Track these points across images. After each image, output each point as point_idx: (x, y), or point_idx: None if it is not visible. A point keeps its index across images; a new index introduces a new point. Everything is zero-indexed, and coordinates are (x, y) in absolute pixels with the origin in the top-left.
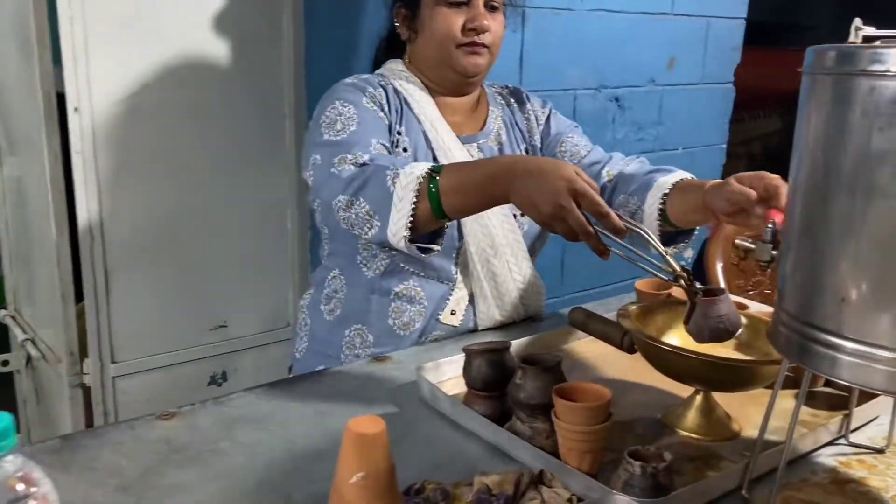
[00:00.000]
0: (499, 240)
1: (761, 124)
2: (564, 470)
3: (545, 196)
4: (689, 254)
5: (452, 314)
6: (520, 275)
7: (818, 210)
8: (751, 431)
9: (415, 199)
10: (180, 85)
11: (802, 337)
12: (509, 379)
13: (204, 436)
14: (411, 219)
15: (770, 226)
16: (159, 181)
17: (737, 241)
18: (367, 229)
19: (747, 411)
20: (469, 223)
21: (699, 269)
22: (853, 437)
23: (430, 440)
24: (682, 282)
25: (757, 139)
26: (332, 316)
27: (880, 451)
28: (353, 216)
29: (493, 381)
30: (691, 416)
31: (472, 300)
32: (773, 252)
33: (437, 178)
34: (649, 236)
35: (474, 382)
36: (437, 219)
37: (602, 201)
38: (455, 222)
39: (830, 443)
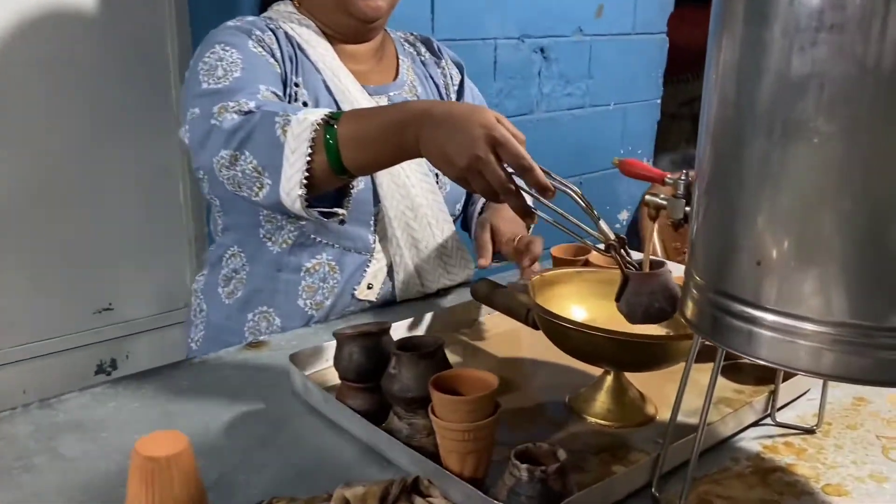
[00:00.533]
0: (419, 201)
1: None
2: (443, 475)
3: (459, 146)
4: (624, 215)
5: (369, 288)
6: (443, 241)
7: (730, 155)
8: (668, 413)
9: (310, 151)
10: (42, 35)
11: (715, 308)
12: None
13: (18, 448)
14: (307, 174)
15: (683, 177)
16: (25, 148)
17: (647, 198)
18: (256, 189)
19: (665, 391)
20: (386, 184)
21: (634, 231)
22: (781, 416)
23: (297, 442)
24: (615, 252)
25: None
26: (231, 299)
27: (810, 431)
28: (240, 174)
29: (367, 370)
30: (600, 400)
31: (391, 271)
32: (687, 209)
33: (336, 125)
34: (580, 198)
35: (346, 372)
36: (337, 175)
37: (525, 153)
38: (370, 185)
39: (756, 423)
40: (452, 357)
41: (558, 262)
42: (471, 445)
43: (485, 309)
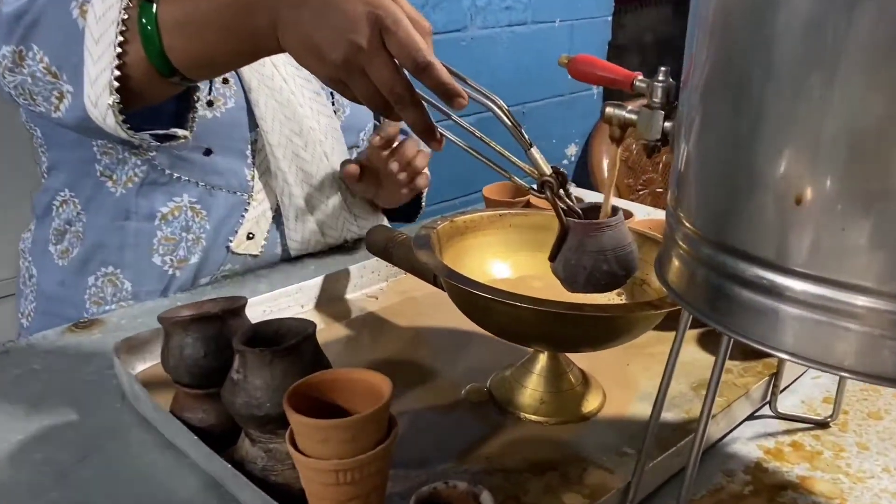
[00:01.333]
0: (309, 124)
1: (652, 14)
2: None
3: (332, 32)
4: (573, 150)
5: (249, 238)
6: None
7: (751, 29)
8: (625, 398)
9: (120, 40)
10: None
11: (715, 271)
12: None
13: None
14: (118, 74)
15: (661, 81)
16: None
17: (608, 111)
18: (55, 101)
19: (613, 367)
20: (263, 101)
21: (583, 166)
22: (781, 402)
23: (118, 469)
24: (549, 191)
25: (649, 29)
26: (65, 259)
27: (823, 424)
28: (29, 79)
29: (208, 369)
30: (531, 388)
31: (278, 217)
32: (668, 124)
33: (155, 4)
34: (506, 115)
35: (178, 374)
36: (162, 76)
37: (422, 43)
38: (243, 101)
39: (751, 415)
40: (338, 343)
41: (491, 206)
42: (351, 490)
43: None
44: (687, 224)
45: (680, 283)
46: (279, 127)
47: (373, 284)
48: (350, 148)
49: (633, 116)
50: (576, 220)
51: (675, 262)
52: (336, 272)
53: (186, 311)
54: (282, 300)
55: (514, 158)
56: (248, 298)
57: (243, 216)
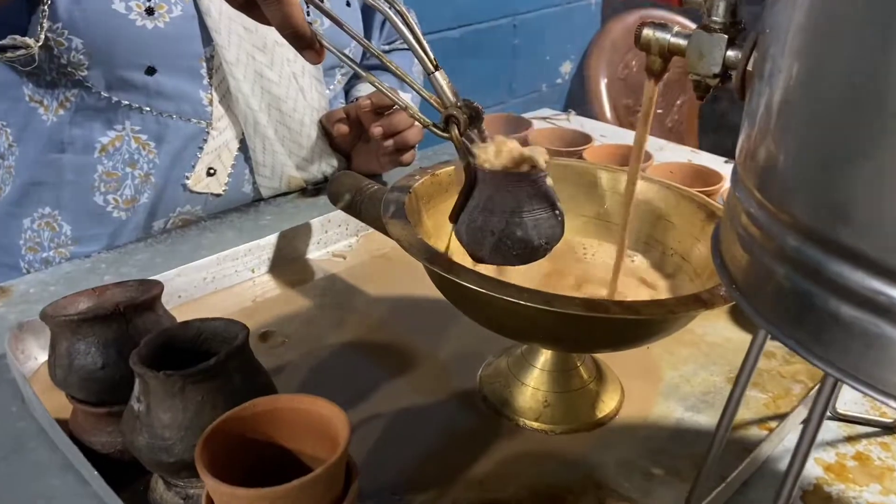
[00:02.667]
0: (275, 38)
1: None
2: None
3: None
4: (568, 67)
5: (210, 174)
6: (321, 105)
7: None
8: (646, 395)
9: None
10: None
11: (804, 274)
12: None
13: None
14: None
15: None
16: None
17: (646, 32)
18: None
19: (637, 354)
20: (216, 9)
21: (580, 86)
22: (839, 398)
23: (13, 495)
24: (455, 130)
25: None
26: None
27: (891, 428)
28: None
29: (111, 383)
30: (531, 386)
31: (245, 149)
32: (731, 53)
33: None
34: (405, 25)
35: (69, 387)
36: None
37: None
38: (192, 8)
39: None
40: (294, 320)
41: None
42: None
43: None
44: (767, 202)
45: (748, 282)
46: (237, 41)
47: (340, 241)
48: (329, 69)
49: (682, 42)
50: (486, 169)
51: (741, 252)
52: (294, 228)
53: (84, 300)
54: (227, 265)
55: (416, 85)
56: (162, 284)
57: (201, 148)
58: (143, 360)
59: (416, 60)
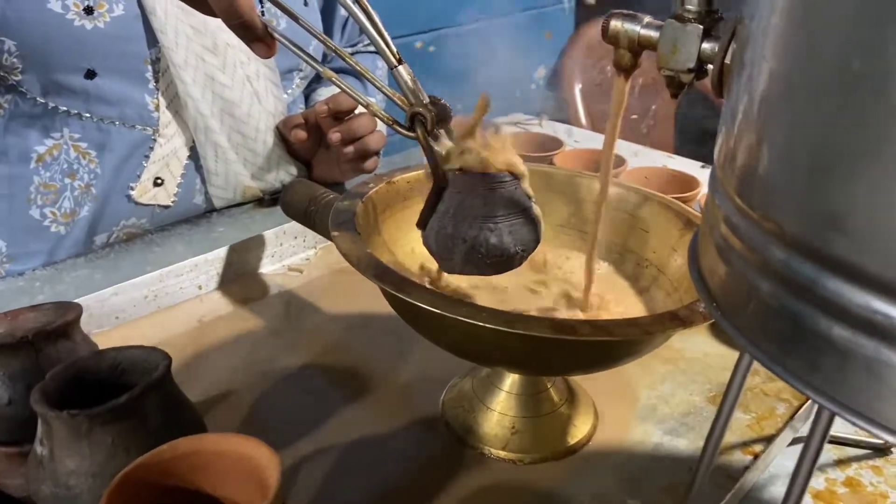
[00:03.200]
0: (226, 38)
1: None
2: None
3: None
4: (542, 72)
5: (157, 185)
6: (278, 100)
7: None
8: (621, 418)
9: None
10: None
11: (792, 291)
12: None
13: None
14: None
15: None
16: None
17: (613, 24)
18: None
19: (611, 372)
20: (162, 8)
21: (554, 91)
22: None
23: None
24: (421, 129)
25: None
26: None
27: (883, 450)
28: None
29: (21, 420)
30: (497, 411)
31: (195, 157)
32: (706, 45)
33: None
34: (367, 18)
35: None
36: None
37: None
38: (136, 7)
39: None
40: (246, 340)
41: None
42: None
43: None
44: (749, 209)
45: (730, 299)
46: (185, 42)
47: (296, 253)
48: (287, 72)
49: (653, 33)
50: (458, 171)
51: (721, 264)
52: (245, 241)
53: None
54: (170, 281)
55: (378, 82)
56: (80, 308)
57: (147, 156)
58: (49, 397)
59: (379, 62)
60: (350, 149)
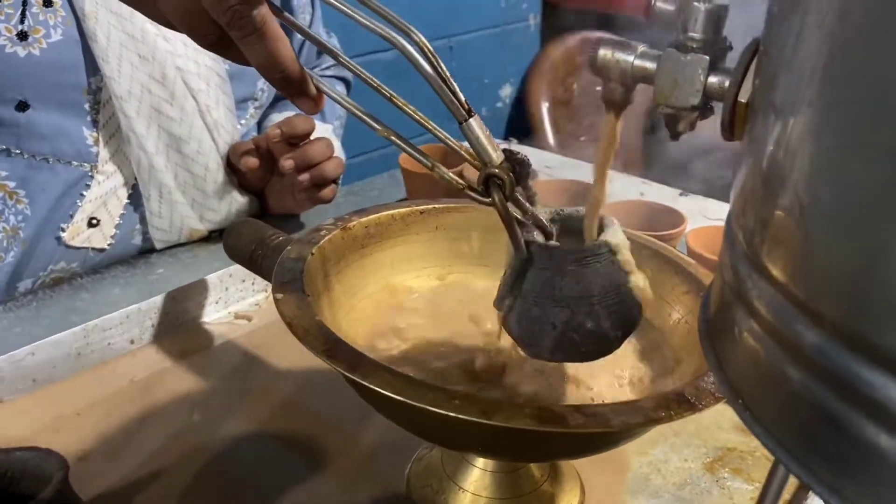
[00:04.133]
0: (178, 65)
1: None
2: None
3: None
4: (508, 91)
5: (93, 226)
6: (229, 135)
7: None
8: (611, 492)
9: None
10: None
11: (829, 385)
12: None
13: None
14: None
15: (705, 3)
16: None
17: (601, 53)
18: None
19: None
20: (104, 33)
21: (519, 110)
22: None
23: None
24: (498, 194)
25: None
26: None
27: None
28: None
29: None
30: (473, 490)
31: (136, 196)
32: (713, 79)
33: None
34: (428, 61)
35: None
36: None
37: None
38: (76, 31)
39: None
40: (182, 402)
41: (409, 181)
42: None
43: None
44: (778, 279)
45: (752, 385)
46: (130, 71)
47: (243, 299)
48: (241, 101)
49: (650, 64)
50: (543, 244)
51: (742, 342)
52: (184, 287)
53: None
54: (96, 336)
55: (441, 134)
56: None
57: (83, 195)
58: None
59: (338, 86)
60: (305, 176)
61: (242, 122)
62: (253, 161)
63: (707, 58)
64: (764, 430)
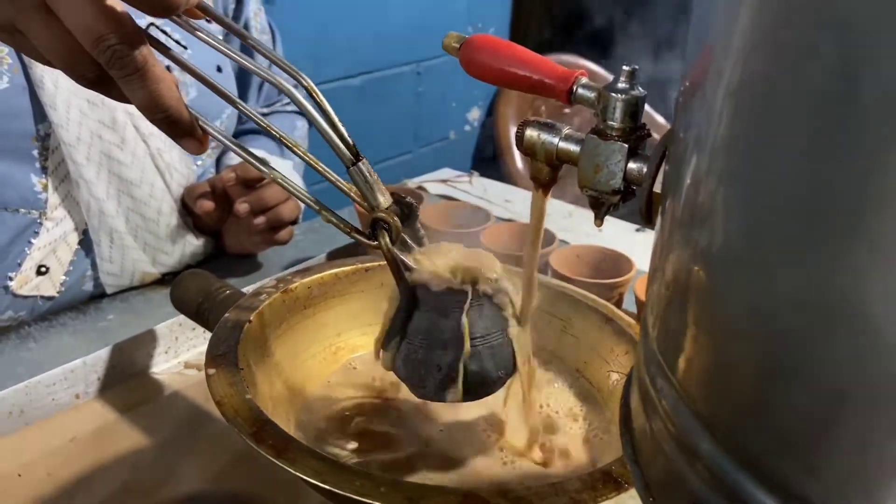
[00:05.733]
0: (132, 109)
1: None
2: None
3: None
4: (476, 114)
5: (41, 273)
6: (183, 177)
7: None
8: None
9: None
10: None
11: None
12: None
13: None
14: None
15: (622, 88)
16: None
17: (528, 134)
18: None
19: None
20: (52, 79)
21: (488, 133)
22: None
23: None
24: (385, 237)
25: None
26: None
27: None
28: None
29: None
30: None
31: (87, 242)
32: (633, 165)
33: None
34: (315, 105)
35: None
36: None
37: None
38: (23, 78)
39: None
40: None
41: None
42: None
43: None
44: (675, 382)
45: (661, 483)
46: (79, 117)
47: (195, 347)
48: None
49: (573, 147)
50: (428, 288)
51: (650, 435)
52: (132, 339)
53: None
54: (39, 391)
55: (332, 176)
56: None
57: (31, 242)
58: None
59: (298, 122)
60: (261, 220)
61: (199, 162)
62: (208, 204)
63: (626, 145)
64: None
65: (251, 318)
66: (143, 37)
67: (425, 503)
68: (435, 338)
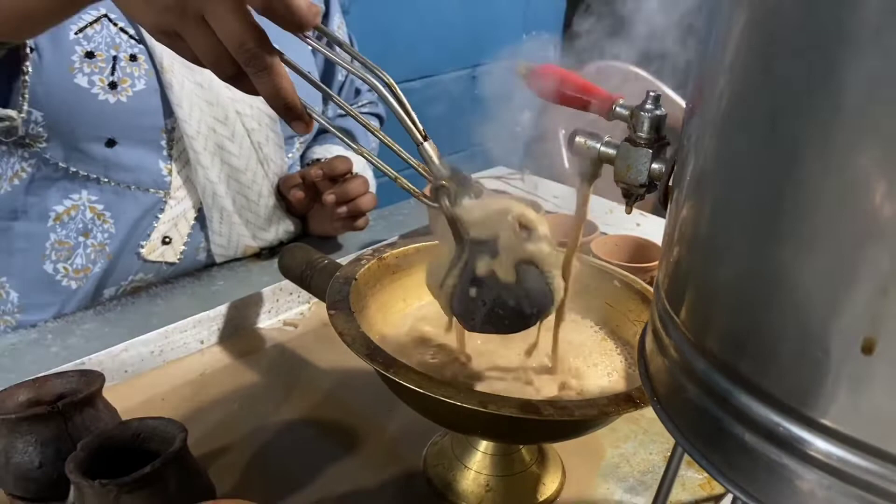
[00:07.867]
0: (237, 109)
1: None
2: None
3: None
4: (527, 117)
5: (166, 243)
6: (279, 170)
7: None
8: (586, 475)
9: None
10: None
11: (713, 399)
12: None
13: None
14: None
15: (648, 109)
16: None
17: (578, 140)
18: None
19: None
20: (179, 83)
21: (537, 137)
22: None
23: None
24: (445, 200)
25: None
26: None
27: None
28: None
29: (49, 481)
30: (474, 469)
31: (202, 217)
32: (654, 166)
33: None
34: (393, 95)
35: (4, 483)
36: None
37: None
38: (155, 83)
39: None
40: (241, 393)
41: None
42: None
43: None
44: (677, 320)
45: (667, 394)
46: (199, 114)
47: (291, 308)
48: (289, 138)
49: (611, 151)
50: (477, 239)
51: (661, 361)
52: (245, 298)
53: (24, 392)
54: (175, 337)
55: (404, 154)
56: (103, 377)
57: (158, 217)
58: (81, 465)
59: (373, 121)
60: (343, 209)
61: (290, 155)
62: (300, 194)
63: (650, 151)
64: (674, 426)
65: (356, 277)
66: (271, 44)
67: (492, 406)
68: (482, 278)
